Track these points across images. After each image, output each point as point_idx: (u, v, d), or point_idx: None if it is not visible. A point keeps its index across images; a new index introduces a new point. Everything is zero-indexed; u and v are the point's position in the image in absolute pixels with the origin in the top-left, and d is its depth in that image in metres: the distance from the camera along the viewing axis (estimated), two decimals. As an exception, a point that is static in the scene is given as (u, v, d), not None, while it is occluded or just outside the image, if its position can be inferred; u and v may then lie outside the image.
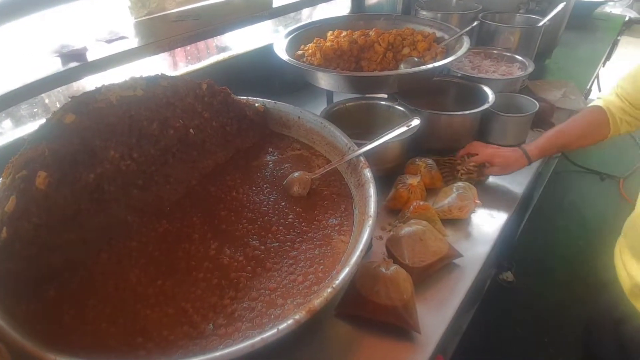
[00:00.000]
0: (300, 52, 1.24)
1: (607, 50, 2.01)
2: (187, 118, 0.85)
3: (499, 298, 1.86)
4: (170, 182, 0.82)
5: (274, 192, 0.84)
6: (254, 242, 0.72)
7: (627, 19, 2.41)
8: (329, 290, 0.56)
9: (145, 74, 0.78)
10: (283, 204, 0.81)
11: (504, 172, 1.00)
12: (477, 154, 1.00)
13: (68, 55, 0.74)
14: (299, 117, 0.97)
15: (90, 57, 0.76)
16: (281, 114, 1.00)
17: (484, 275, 1.78)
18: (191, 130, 0.86)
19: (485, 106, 1.04)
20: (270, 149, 0.97)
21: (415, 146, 1.03)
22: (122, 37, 0.82)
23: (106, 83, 0.73)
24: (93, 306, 0.61)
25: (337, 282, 0.57)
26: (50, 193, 0.64)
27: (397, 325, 0.67)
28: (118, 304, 0.62)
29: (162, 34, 0.88)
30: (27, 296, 0.60)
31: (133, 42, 0.83)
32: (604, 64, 2.15)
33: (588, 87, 1.68)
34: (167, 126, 0.81)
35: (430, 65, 1.01)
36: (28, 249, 0.62)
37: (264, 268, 0.67)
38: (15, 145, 0.81)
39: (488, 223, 0.92)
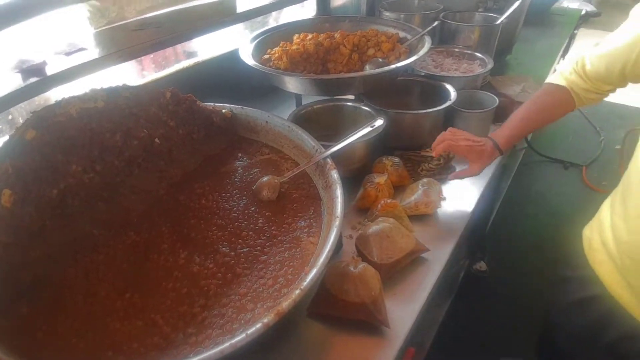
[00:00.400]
0: (266, 57, 1.25)
1: (565, 44, 2.10)
2: (152, 128, 0.85)
3: (474, 288, 1.92)
4: (136, 193, 0.82)
5: (244, 197, 0.85)
6: (224, 248, 0.73)
7: (583, 12, 2.52)
8: (297, 292, 0.57)
9: (106, 85, 0.77)
10: (253, 209, 0.82)
11: (479, 169, 0.94)
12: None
13: (28, 71, 0.72)
14: (266, 122, 0.98)
15: (50, 70, 0.75)
16: (249, 119, 1.00)
17: (456, 268, 1.84)
18: (156, 140, 0.86)
19: (448, 104, 1.08)
20: (239, 155, 0.98)
21: (382, 145, 1.05)
22: (81, 49, 0.81)
23: (67, 96, 0.72)
24: (63, 321, 0.61)
25: (305, 283, 0.58)
26: (15, 211, 0.63)
27: (367, 321, 0.69)
28: (87, 318, 0.62)
29: (122, 43, 0.87)
30: (1, 313, 0.60)
31: (93, 53, 0.82)
32: (563, 56, 2.24)
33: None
34: (130, 137, 0.81)
35: (393, 66, 1.03)
36: (-4, 267, 0.61)
37: (234, 274, 0.68)
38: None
39: (453, 217, 0.95)
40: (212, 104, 0.99)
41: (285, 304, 0.56)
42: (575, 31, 2.40)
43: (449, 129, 0.98)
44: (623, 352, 0.84)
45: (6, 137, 0.65)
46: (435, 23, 1.23)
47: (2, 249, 0.62)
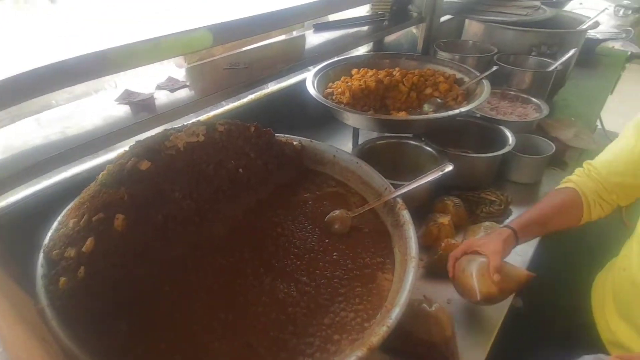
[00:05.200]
0: (329, 90, 1.32)
1: (613, 87, 2.11)
2: (237, 158, 0.93)
3: (512, 325, 1.91)
4: (221, 219, 0.89)
5: (316, 229, 0.91)
6: (304, 278, 0.78)
7: (629, 53, 2.52)
8: (384, 328, 0.62)
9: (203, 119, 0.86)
10: (327, 241, 0.87)
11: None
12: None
13: (137, 104, 0.81)
14: (334, 156, 1.04)
15: (158, 107, 0.84)
16: (317, 152, 1.07)
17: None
18: (240, 170, 0.93)
19: (507, 149, 1.12)
20: (307, 186, 1.04)
21: (441, 184, 1.10)
22: (184, 85, 0.90)
23: (171, 129, 0.81)
24: (163, 339, 0.67)
25: (391, 320, 0.63)
26: (126, 234, 0.71)
27: (438, 360, 0.73)
28: (186, 336, 0.68)
29: (215, 80, 0.96)
30: (103, 332, 0.66)
31: (192, 91, 0.91)
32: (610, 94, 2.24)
33: (596, 125, 1.77)
34: (221, 167, 0.88)
35: (457, 111, 1.09)
36: (103, 286, 0.68)
37: (317, 304, 0.73)
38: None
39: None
40: (283, 135, 1.07)
41: (375, 339, 0.61)
42: (621, 72, 2.40)
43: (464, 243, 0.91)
44: None
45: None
46: (494, 68, 1.29)
47: (110, 269, 0.69)
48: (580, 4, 3.53)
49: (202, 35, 0.67)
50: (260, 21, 0.80)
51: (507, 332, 1.75)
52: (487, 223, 0.99)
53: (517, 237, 0.90)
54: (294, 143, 1.07)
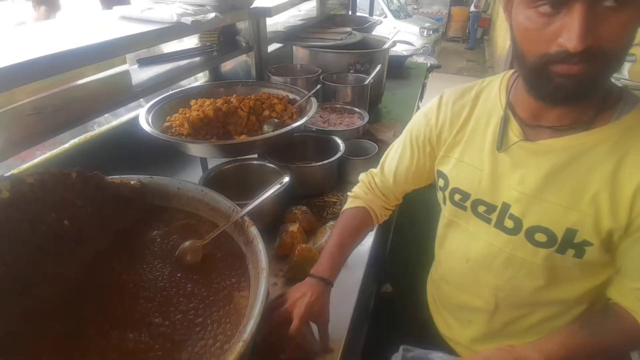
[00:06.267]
0: (167, 124, 1.29)
1: (419, 91, 2.56)
2: (60, 210, 0.83)
3: (385, 309, 2.11)
4: (50, 280, 0.78)
5: (167, 265, 0.87)
6: (156, 319, 0.75)
7: (429, 65, 3.12)
8: (240, 344, 0.63)
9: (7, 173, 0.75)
10: (179, 275, 0.85)
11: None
12: None
13: None
14: (178, 188, 1.02)
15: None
16: (160, 187, 1.03)
17: (368, 293, 2.02)
18: (65, 222, 0.84)
19: (339, 155, 1.27)
20: (155, 223, 1.00)
21: (289, 196, 1.18)
22: (-28, 140, 0.77)
23: (-40, 191, 0.69)
24: None
25: (245, 335, 0.65)
26: None
27: (307, 356, 0.77)
28: None
29: (18, 129, 0.85)
30: None
31: (-15, 142, 0.79)
32: (420, 100, 2.72)
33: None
34: (38, 223, 0.78)
35: (289, 127, 1.19)
36: None
37: (173, 342, 0.70)
38: None
39: (358, 250, 1.11)
40: (119, 176, 1.00)
41: (232, 357, 0.61)
42: (425, 80, 2.95)
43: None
44: None
45: None
46: (318, 86, 1.45)
47: None
48: (394, 27, 4.22)
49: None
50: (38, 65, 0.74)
51: (378, 316, 1.91)
52: (330, 222, 1.10)
53: (329, 282, 0.91)
54: (132, 182, 1.01)
